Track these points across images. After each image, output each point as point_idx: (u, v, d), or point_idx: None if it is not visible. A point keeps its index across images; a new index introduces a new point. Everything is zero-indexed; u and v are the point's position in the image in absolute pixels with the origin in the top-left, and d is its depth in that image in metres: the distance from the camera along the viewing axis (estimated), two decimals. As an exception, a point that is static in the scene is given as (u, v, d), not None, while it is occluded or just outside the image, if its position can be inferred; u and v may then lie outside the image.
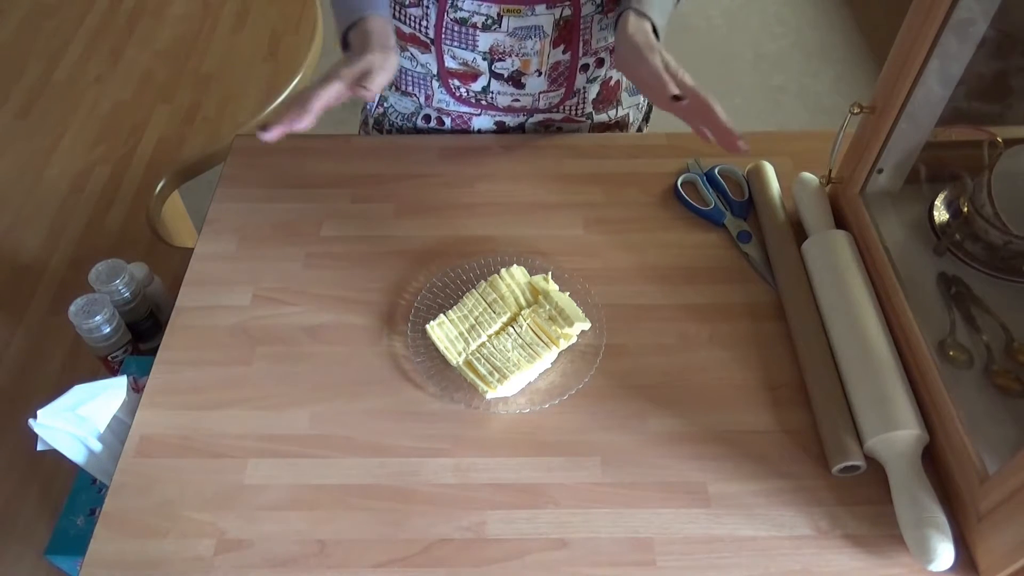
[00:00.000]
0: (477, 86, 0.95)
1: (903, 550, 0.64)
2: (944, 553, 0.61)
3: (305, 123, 0.73)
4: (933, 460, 0.69)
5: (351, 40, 0.79)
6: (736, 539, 0.66)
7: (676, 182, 0.92)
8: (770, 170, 0.91)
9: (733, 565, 0.65)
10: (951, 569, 0.62)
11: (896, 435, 0.67)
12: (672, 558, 0.65)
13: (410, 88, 1.00)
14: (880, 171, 0.81)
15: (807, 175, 0.88)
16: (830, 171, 0.86)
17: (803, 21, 2.71)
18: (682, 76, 0.76)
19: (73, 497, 0.75)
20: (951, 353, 0.71)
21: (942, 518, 0.63)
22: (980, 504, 0.62)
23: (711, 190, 0.91)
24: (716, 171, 0.93)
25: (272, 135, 0.72)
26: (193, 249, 0.87)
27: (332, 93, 0.74)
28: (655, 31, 0.81)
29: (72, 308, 0.82)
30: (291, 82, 1.35)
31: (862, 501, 0.68)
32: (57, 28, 1.44)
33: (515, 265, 0.82)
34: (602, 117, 1.04)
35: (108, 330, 0.84)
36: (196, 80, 1.34)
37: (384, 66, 0.76)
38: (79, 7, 1.49)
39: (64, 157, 1.20)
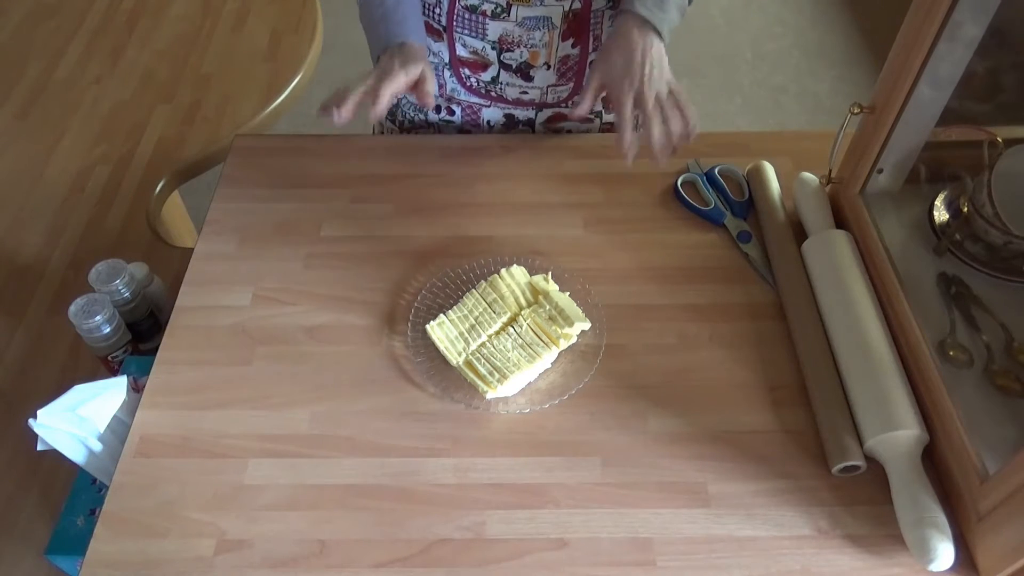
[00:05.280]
0: (487, 76, 0.96)
1: (903, 550, 0.64)
2: (944, 553, 0.61)
3: (377, 110, 0.73)
4: (933, 460, 0.69)
5: (393, 56, 0.80)
6: (736, 539, 0.66)
7: (676, 182, 0.92)
8: (770, 170, 0.91)
9: (733, 565, 0.65)
10: (951, 569, 0.62)
11: (896, 435, 0.67)
12: (672, 558, 0.65)
13: None
14: (880, 171, 0.81)
15: (807, 175, 0.88)
16: (830, 171, 0.86)
17: (803, 21, 2.71)
18: (646, 100, 0.75)
19: (73, 497, 0.75)
20: (951, 353, 0.71)
21: (942, 518, 0.63)
22: (980, 504, 0.62)
23: (711, 190, 0.91)
24: (716, 171, 0.93)
25: (346, 112, 0.73)
26: (193, 249, 0.87)
27: (400, 84, 0.75)
28: (657, 31, 0.80)
29: (72, 308, 0.82)
30: (291, 82, 1.34)
31: (862, 501, 0.68)
32: (57, 28, 1.44)
33: (515, 265, 0.82)
34: (611, 117, 1.04)
35: (108, 330, 0.84)
36: (196, 80, 1.34)
37: (431, 76, 0.79)
38: (79, 7, 1.48)
39: (64, 157, 1.20)
